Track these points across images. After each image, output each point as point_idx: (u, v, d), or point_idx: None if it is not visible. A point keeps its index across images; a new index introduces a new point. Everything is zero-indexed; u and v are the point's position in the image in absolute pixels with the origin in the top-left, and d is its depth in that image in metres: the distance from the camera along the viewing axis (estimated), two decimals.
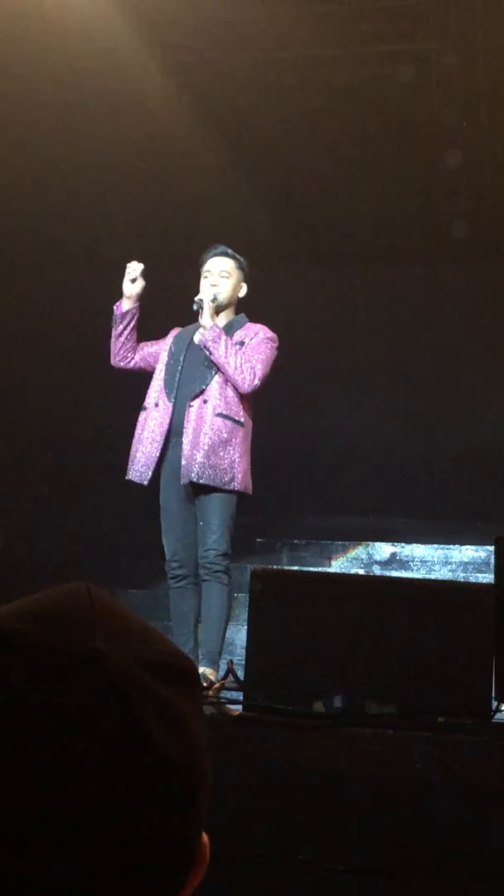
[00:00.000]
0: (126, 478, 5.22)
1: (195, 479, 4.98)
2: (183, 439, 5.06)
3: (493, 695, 3.77)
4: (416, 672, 3.82)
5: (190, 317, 5.42)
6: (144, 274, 5.31)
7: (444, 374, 9.24)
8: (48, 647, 0.73)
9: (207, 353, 5.12)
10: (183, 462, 5.01)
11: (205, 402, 5.10)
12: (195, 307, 5.22)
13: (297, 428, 9.03)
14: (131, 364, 5.40)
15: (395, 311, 9.43)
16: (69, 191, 8.33)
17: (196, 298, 5.23)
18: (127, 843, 0.70)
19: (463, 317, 9.21)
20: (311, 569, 7.99)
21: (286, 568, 7.64)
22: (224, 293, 5.28)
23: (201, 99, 7.85)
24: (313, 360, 9.02)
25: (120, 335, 5.32)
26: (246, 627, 4.16)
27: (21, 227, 8.49)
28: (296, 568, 7.89)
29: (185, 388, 5.17)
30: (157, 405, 5.20)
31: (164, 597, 6.86)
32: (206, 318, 5.16)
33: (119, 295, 5.35)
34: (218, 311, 5.26)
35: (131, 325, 5.31)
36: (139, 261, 5.33)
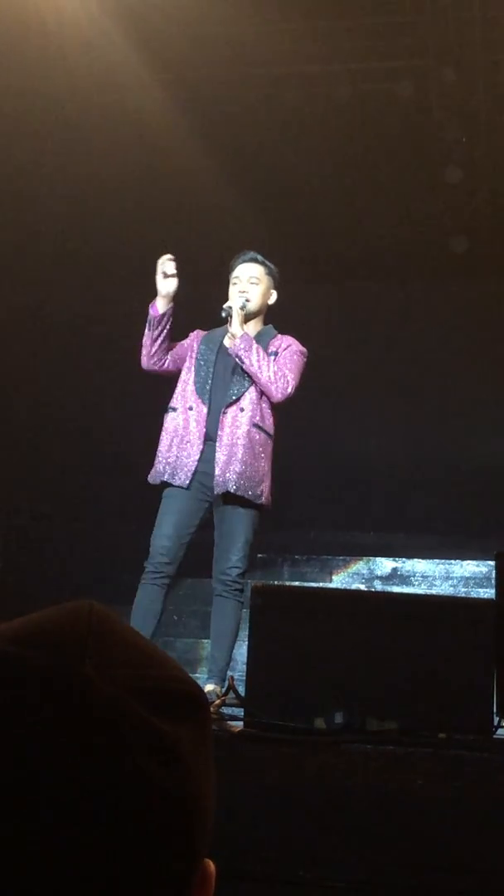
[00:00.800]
0: (159, 480, 5.03)
1: (233, 490, 4.87)
2: (217, 446, 4.95)
3: (495, 710, 3.76)
4: (418, 688, 3.80)
5: (203, 323, 5.35)
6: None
7: (444, 390, 9.24)
8: (36, 673, 0.71)
9: (239, 361, 5.03)
10: (217, 471, 4.90)
11: (241, 410, 5.01)
12: (224, 314, 5.13)
13: (298, 443, 9.01)
14: (165, 366, 5.20)
15: (396, 327, 9.44)
16: (68, 204, 8.34)
17: (225, 306, 5.13)
18: (112, 876, 0.68)
19: (463, 332, 9.22)
20: (312, 584, 7.98)
21: (287, 583, 7.61)
22: (254, 300, 5.19)
23: (200, 114, 7.88)
24: (315, 376, 9.00)
25: (157, 339, 5.08)
26: (246, 643, 4.15)
27: (21, 239, 8.51)
28: (297, 583, 7.87)
29: (218, 394, 5.07)
30: (190, 408, 5.06)
31: (175, 614, 6.84)
32: (235, 326, 5.06)
33: (147, 296, 5.13)
34: (247, 318, 5.16)
35: (168, 326, 5.09)
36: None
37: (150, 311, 5.05)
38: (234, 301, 5.13)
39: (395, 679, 3.81)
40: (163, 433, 5.12)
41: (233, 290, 5.21)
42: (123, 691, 0.71)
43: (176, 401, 5.14)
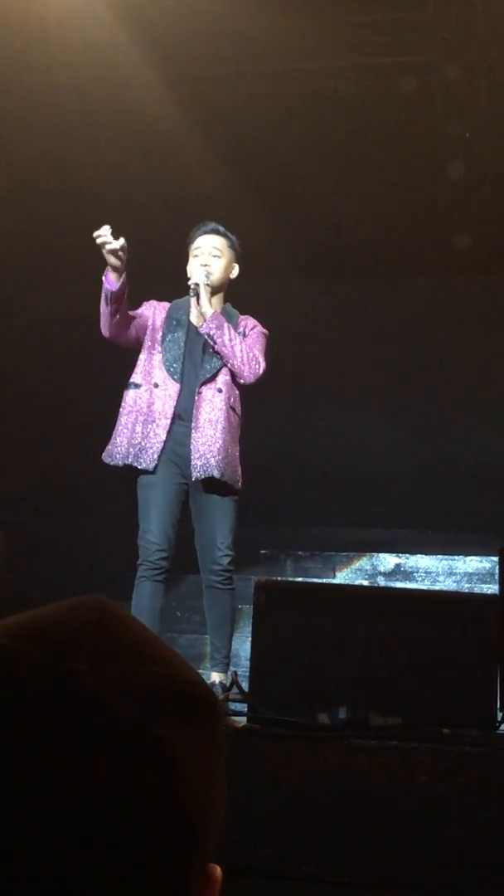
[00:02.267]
0: (122, 462, 4.77)
1: (218, 477, 4.68)
2: (193, 427, 4.74)
3: (499, 706, 3.76)
4: (421, 683, 3.81)
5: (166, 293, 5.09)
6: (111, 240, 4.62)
7: (447, 385, 9.24)
8: (24, 666, 0.69)
9: (210, 340, 4.80)
10: (195, 454, 4.69)
11: (219, 391, 4.80)
12: (192, 293, 4.84)
13: (300, 439, 9.03)
14: (128, 338, 4.92)
15: (398, 323, 9.43)
16: (69, 203, 8.34)
17: (191, 282, 4.85)
18: (94, 883, 0.65)
19: (467, 329, 9.21)
20: (316, 580, 7.97)
21: (290, 579, 7.61)
22: (216, 274, 4.91)
23: (202, 111, 7.87)
24: (317, 372, 9.03)
25: (115, 313, 4.73)
26: (250, 639, 4.15)
27: (22, 242, 8.51)
28: (300, 579, 7.87)
29: (189, 372, 4.85)
30: (156, 385, 4.82)
31: (178, 610, 6.76)
32: (205, 305, 4.80)
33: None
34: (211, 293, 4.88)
35: (124, 297, 4.72)
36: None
37: (105, 284, 4.68)
38: (198, 276, 4.85)
39: (398, 674, 3.81)
40: (122, 411, 4.86)
41: (194, 263, 4.95)
42: (114, 688, 0.69)
43: (138, 377, 4.88)
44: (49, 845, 0.65)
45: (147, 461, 4.73)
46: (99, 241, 4.56)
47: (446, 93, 7.64)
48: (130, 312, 4.89)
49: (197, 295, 4.83)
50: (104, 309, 4.73)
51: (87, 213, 8.40)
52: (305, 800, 3.43)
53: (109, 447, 4.83)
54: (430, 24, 7.20)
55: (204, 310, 4.82)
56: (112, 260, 4.58)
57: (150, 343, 4.93)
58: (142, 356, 4.92)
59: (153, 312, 4.99)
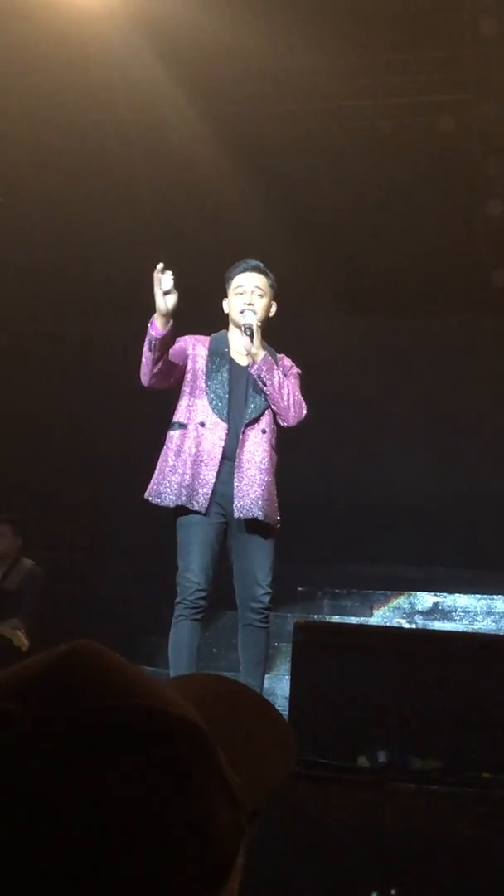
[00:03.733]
0: (173, 504, 4.70)
1: (262, 518, 4.65)
2: (236, 466, 4.70)
3: None
4: (461, 726, 3.77)
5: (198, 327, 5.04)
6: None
7: (484, 421, 9.21)
8: None
9: (261, 382, 4.75)
10: (238, 494, 4.66)
11: (263, 431, 4.77)
12: (246, 332, 4.76)
13: (336, 476, 9.02)
14: (168, 384, 4.87)
15: (434, 358, 9.43)
16: (104, 230, 8.42)
17: (243, 323, 4.79)
18: None
19: (501, 364, 9.19)
20: (353, 619, 7.93)
21: (329, 620, 7.58)
22: (260, 313, 4.86)
23: (240, 148, 7.93)
24: (354, 409, 9.02)
25: (159, 360, 4.68)
26: (288, 678, 4.13)
27: (50, 263, 8.62)
28: (337, 618, 7.83)
29: (235, 411, 4.78)
30: (202, 424, 4.76)
31: (214, 647, 6.73)
32: (257, 346, 4.75)
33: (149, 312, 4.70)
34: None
35: (169, 343, 4.71)
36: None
37: (150, 330, 4.63)
38: (250, 318, 4.80)
39: (438, 717, 3.78)
40: (168, 451, 4.81)
41: (236, 301, 4.89)
42: (44, 727, 0.69)
43: (182, 416, 4.83)
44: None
45: (200, 504, 4.69)
46: (161, 277, 4.56)
47: (484, 131, 7.66)
48: (174, 359, 4.85)
49: (251, 335, 4.77)
50: (147, 355, 4.68)
51: (122, 246, 8.51)
52: (344, 842, 3.40)
53: (157, 487, 4.78)
54: (468, 63, 7.22)
55: (254, 351, 4.78)
56: (162, 303, 4.58)
57: (192, 381, 4.88)
58: (184, 394, 4.87)
59: (193, 349, 4.93)
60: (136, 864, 0.66)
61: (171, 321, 4.63)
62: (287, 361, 4.97)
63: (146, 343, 4.66)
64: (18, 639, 7.15)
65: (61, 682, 0.71)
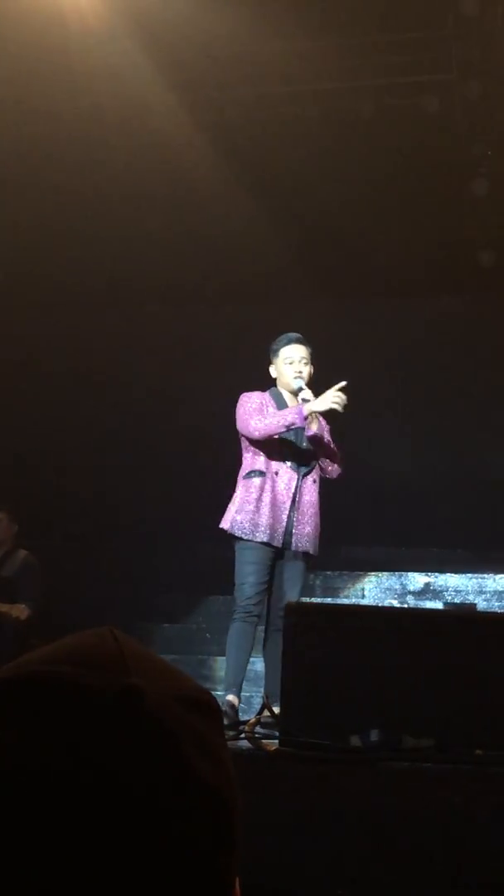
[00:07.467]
0: (259, 540, 5.43)
1: (313, 553, 5.54)
2: (295, 507, 5.49)
3: None
4: (454, 704, 3.78)
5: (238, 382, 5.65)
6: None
7: (475, 403, 9.22)
8: (83, 687, 0.73)
9: (318, 443, 5.52)
10: (294, 531, 5.46)
11: (314, 481, 5.58)
12: (303, 397, 5.44)
13: None
14: None
15: (424, 342, 9.44)
16: (90, 221, 8.40)
17: (301, 388, 5.48)
18: (171, 871, 0.70)
19: (495, 345, 9.20)
20: (345, 600, 7.95)
21: (320, 601, 7.60)
22: (307, 379, 5.57)
23: (223, 133, 7.91)
24: (347, 392, 9.00)
25: (287, 431, 5.46)
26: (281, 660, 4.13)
27: (46, 270, 8.59)
28: (329, 599, 7.85)
29: (299, 461, 5.56)
30: (276, 473, 5.51)
31: (208, 632, 6.90)
32: (318, 408, 5.38)
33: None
34: (296, 395, 5.56)
35: None
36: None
37: (298, 420, 5.39)
38: (307, 391, 5.47)
39: (430, 696, 3.79)
40: (251, 495, 5.49)
41: (289, 371, 5.59)
42: (166, 701, 0.74)
43: (261, 465, 5.53)
44: (132, 842, 0.69)
45: (278, 541, 5.46)
46: (342, 396, 5.32)
47: (468, 111, 7.65)
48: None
49: (305, 400, 5.43)
50: (279, 430, 5.42)
51: (109, 236, 8.50)
52: (337, 822, 3.42)
53: (247, 525, 5.47)
54: (451, 42, 7.21)
55: (311, 418, 5.45)
56: (322, 407, 5.34)
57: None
58: (261, 446, 5.53)
59: (266, 409, 5.60)
60: (189, 826, 0.72)
61: None
62: (324, 420, 5.63)
63: (287, 423, 5.41)
64: (18, 610, 7.20)
65: (130, 660, 0.76)
